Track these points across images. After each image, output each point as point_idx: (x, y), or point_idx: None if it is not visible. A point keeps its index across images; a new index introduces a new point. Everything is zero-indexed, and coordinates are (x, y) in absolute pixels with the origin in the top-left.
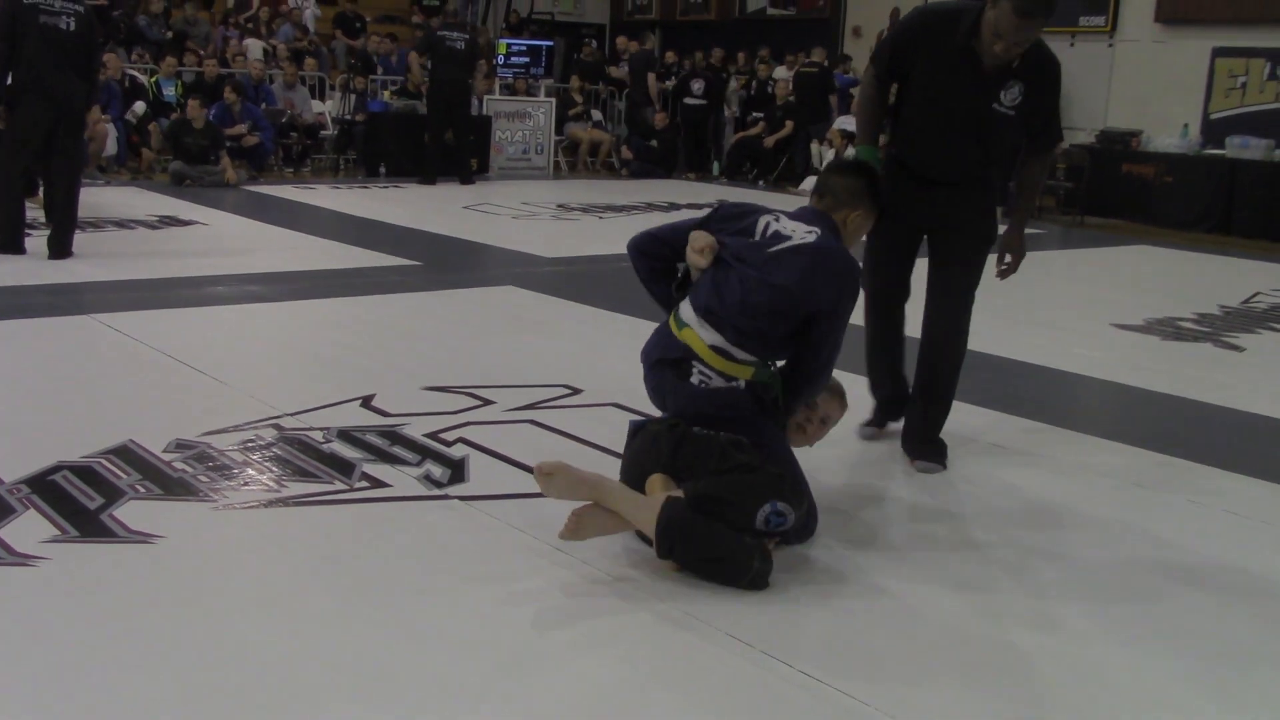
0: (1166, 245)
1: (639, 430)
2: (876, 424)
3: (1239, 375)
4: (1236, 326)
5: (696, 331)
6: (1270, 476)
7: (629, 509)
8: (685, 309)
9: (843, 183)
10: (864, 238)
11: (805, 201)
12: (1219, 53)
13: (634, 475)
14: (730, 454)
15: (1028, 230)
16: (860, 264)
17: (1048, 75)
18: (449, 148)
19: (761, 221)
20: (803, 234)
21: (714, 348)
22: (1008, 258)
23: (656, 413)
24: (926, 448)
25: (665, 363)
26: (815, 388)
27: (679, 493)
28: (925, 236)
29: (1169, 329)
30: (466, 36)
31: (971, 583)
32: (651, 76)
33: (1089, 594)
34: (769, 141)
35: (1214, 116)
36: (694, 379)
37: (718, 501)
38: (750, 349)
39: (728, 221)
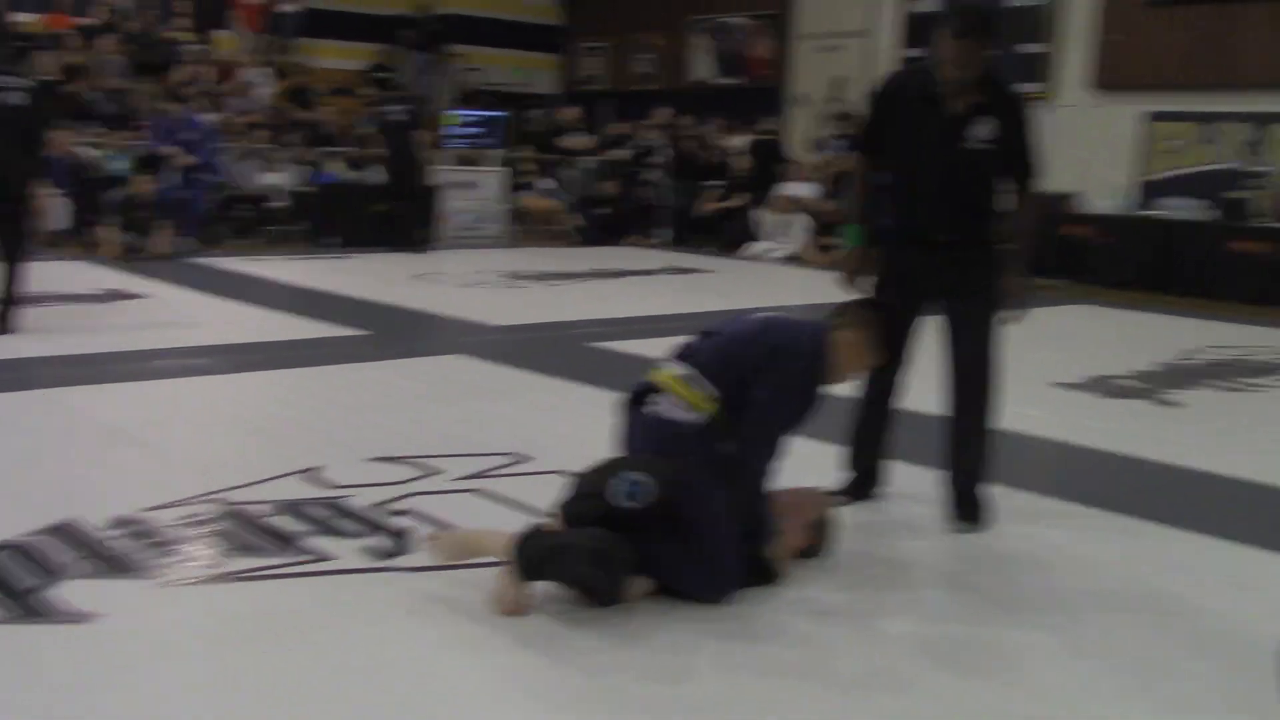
0: (1106, 304)
1: None
2: (848, 495)
3: (1177, 431)
4: (1174, 383)
5: (667, 368)
6: (1209, 531)
7: (504, 550)
8: (666, 358)
9: (860, 312)
10: (854, 370)
11: (753, 267)
12: (1153, 117)
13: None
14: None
15: None
16: (822, 379)
17: (1013, 107)
18: (401, 217)
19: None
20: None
21: (682, 378)
22: (1009, 307)
23: None
24: (964, 509)
25: (635, 399)
26: (745, 476)
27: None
28: (936, 304)
29: (1109, 387)
30: (408, 107)
31: (931, 618)
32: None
33: (1029, 646)
34: (710, 208)
35: (1149, 179)
36: (658, 408)
37: (574, 498)
38: (714, 384)
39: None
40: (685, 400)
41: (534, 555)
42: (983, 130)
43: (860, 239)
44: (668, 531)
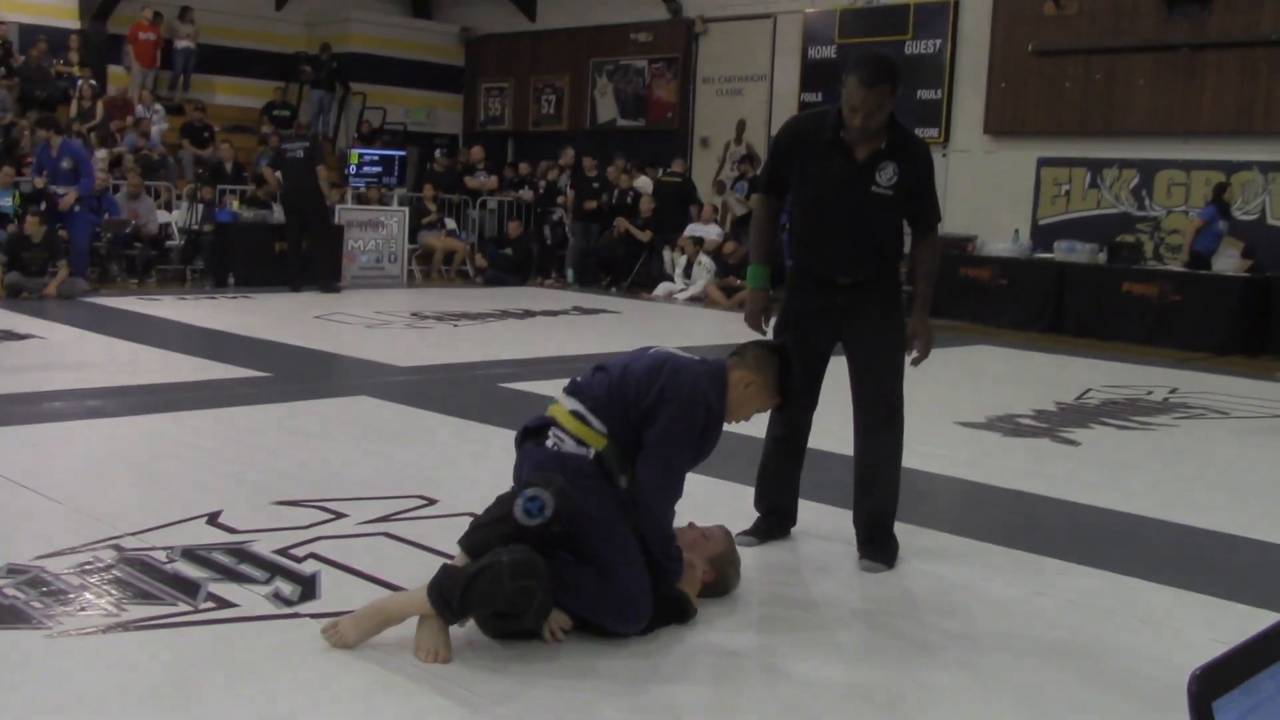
0: (1004, 345)
1: None
2: (756, 535)
3: (1075, 468)
4: (1071, 422)
5: (561, 403)
6: (1108, 566)
7: (416, 604)
8: (558, 393)
9: (757, 351)
10: (751, 412)
11: (659, 308)
12: (1044, 162)
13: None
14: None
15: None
16: (718, 419)
17: (918, 153)
18: (306, 257)
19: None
20: (684, 354)
21: (573, 413)
22: (916, 347)
23: None
24: (873, 548)
25: (528, 433)
26: (645, 515)
27: None
28: (840, 344)
29: (1009, 425)
30: (305, 144)
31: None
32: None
33: (935, 684)
34: (621, 228)
35: (1042, 222)
36: (549, 442)
37: (477, 528)
38: (604, 420)
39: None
40: (576, 435)
41: (452, 592)
42: (886, 175)
43: (762, 280)
44: (576, 558)
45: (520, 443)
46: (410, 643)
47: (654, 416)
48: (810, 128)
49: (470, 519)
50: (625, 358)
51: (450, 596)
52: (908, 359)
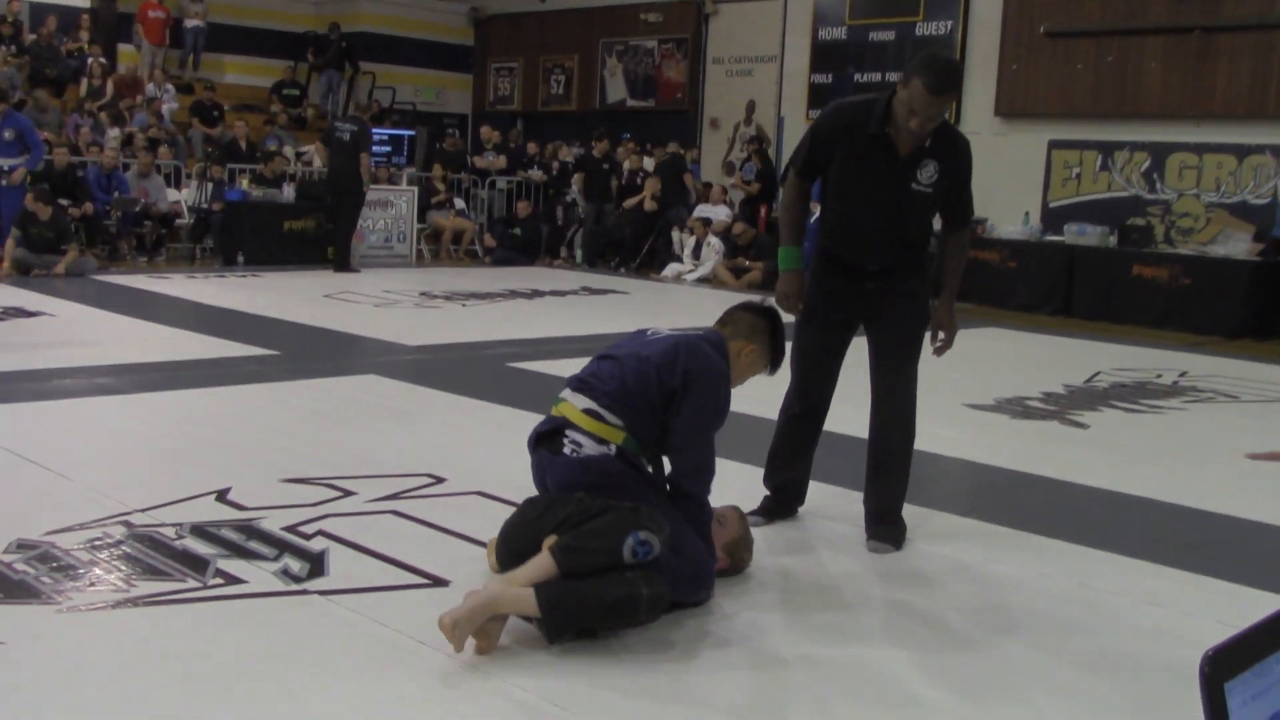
0: (1013, 328)
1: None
2: (763, 514)
3: (1084, 451)
4: (1080, 405)
5: (570, 401)
6: (1117, 548)
7: (528, 608)
8: (563, 390)
9: (747, 318)
10: (749, 378)
11: (668, 289)
12: (1055, 145)
13: (508, 541)
14: (585, 502)
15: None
16: (729, 386)
17: (961, 151)
18: (339, 235)
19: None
20: (685, 331)
21: (586, 411)
22: (941, 335)
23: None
24: (882, 529)
25: (542, 438)
26: (694, 505)
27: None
28: (861, 326)
29: (1018, 408)
30: (354, 128)
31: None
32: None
33: (943, 663)
34: (631, 202)
35: (1053, 205)
36: (566, 449)
37: (581, 551)
38: (619, 414)
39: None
40: (595, 434)
41: (575, 614)
42: (927, 173)
43: (794, 262)
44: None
45: (534, 447)
46: (424, 624)
47: (683, 398)
48: (855, 120)
49: (478, 498)
50: (631, 345)
51: (572, 618)
52: (929, 345)
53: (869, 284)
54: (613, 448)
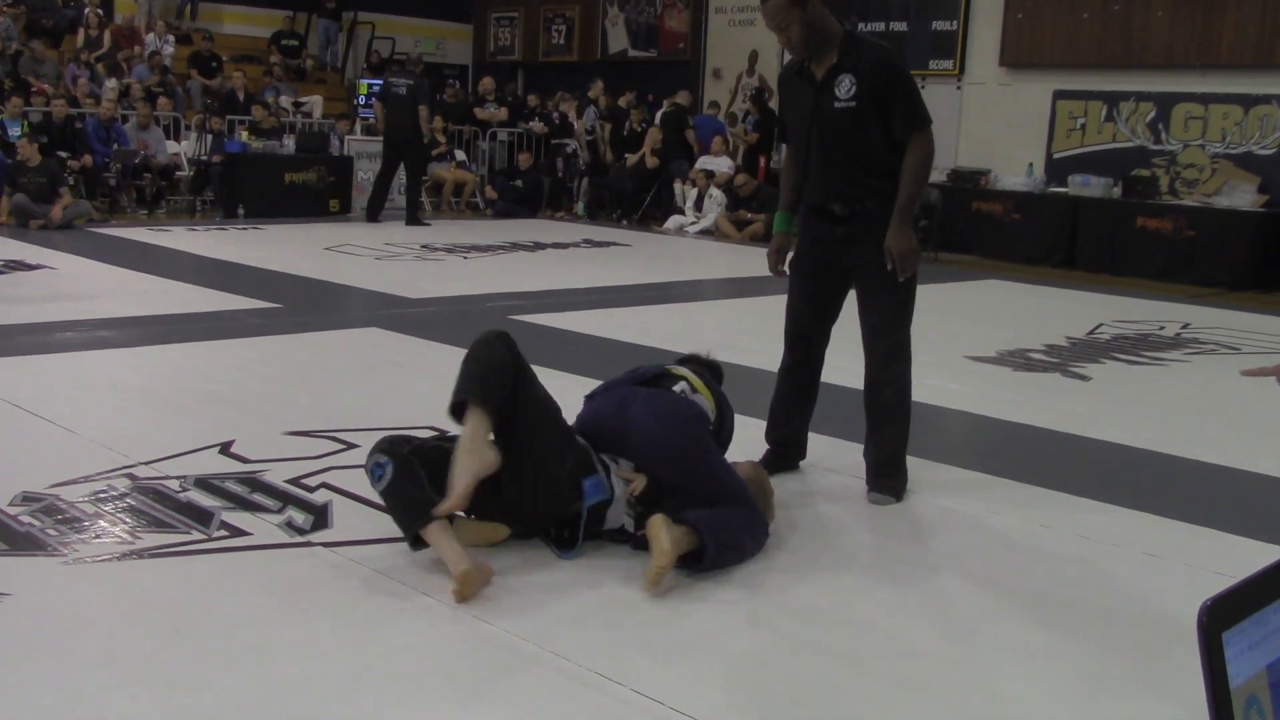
0: (1016, 279)
1: None
2: (765, 467)
3: (1086, 404)
4: (1082, 357)
5: (681, 368)
6: (1117, 500)
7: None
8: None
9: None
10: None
11: (669, 241)
12: (1059, 95)
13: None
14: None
15: None
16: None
17: (867, 57)
18: (385, 189)
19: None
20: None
21: (696, 372)
22: (890, 261)
23: None
24: (882, 480)
25: (644, 380)
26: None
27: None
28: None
29: (1020, 360)
30: (410, 82)
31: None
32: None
33: (942, 613)
34: (632, 160)
35: (1057, 156)
36: (676, 387)
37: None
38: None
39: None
40: (700, 393)
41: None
42: (844, 88)
43: (781, 225)
44: (708, 507)
45: (637, 383)
46: (428, 575)
47: (695, 466)
48: (791, 66)
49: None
50: (612, 416)
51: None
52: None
53: (838, 229)
54: (709, 406)
